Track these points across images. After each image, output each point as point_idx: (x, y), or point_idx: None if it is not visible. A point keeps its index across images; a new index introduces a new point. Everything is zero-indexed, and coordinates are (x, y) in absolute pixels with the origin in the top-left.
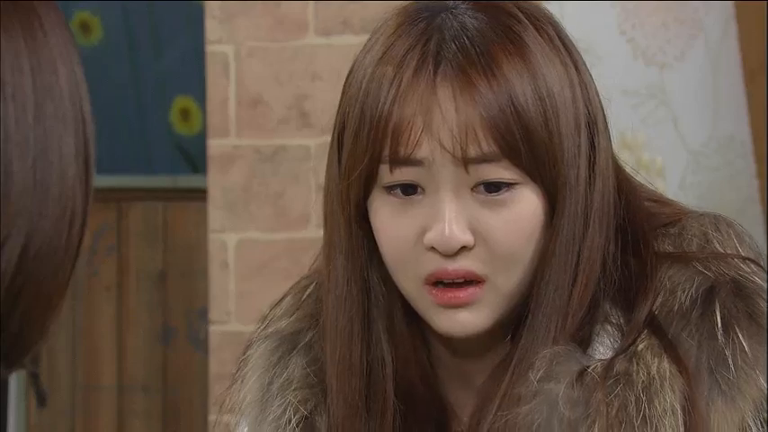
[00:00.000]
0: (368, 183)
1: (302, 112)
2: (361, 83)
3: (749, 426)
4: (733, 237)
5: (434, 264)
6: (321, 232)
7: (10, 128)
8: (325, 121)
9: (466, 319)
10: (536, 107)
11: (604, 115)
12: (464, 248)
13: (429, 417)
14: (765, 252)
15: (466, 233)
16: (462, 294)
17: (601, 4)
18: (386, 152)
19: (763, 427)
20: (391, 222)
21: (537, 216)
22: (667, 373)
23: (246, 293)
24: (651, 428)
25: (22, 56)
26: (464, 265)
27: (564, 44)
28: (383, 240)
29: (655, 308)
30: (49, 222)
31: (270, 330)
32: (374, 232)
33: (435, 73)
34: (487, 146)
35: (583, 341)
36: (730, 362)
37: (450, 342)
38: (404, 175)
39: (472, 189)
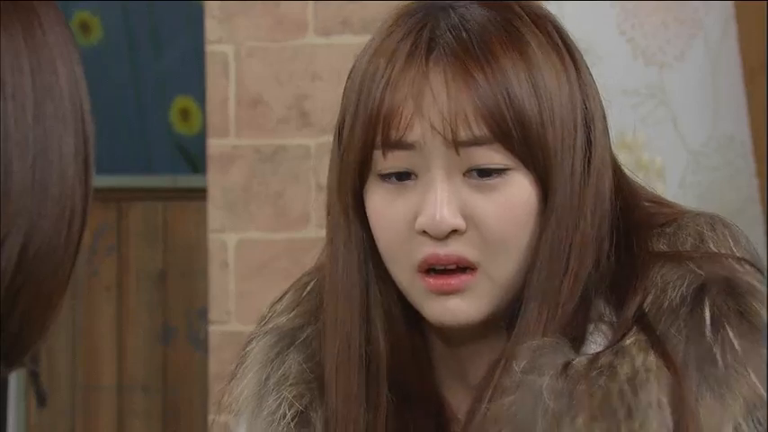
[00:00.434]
0: (363, 170)
1: (302, 112)
2: (357, 78)
3: (740, 424)
4: (728, 237)
5: (426, 249)
6: (321, 232)
7: (10, 127)
8: (326, 120)
9: (458, 306)
10: (531, 98)
11: (604, 115)
12: (455, 233)
13: (427, 414)
14: (763, 254)
15: (457, 217)
16: (454, 281)
17: (600, 4)
18: (378, 138)
19: (756, 425)
20: (384, 208)
21: (530, 203)
22: (653, 366)
23: (246, 293)
24: (636, 421)
25: (21, 55)
26: (456, 249)
27: (564, 43)
28: (377, 227)
29: (645, 305)
30: (49, 222)
31: (269, 326)
32: (369, 220)
33: (428, 58)
34: (478, 129)
35: (576, 339)
36: (719, 359)
37: (447, 338)
38: (397, 160)
39: (464, 174)
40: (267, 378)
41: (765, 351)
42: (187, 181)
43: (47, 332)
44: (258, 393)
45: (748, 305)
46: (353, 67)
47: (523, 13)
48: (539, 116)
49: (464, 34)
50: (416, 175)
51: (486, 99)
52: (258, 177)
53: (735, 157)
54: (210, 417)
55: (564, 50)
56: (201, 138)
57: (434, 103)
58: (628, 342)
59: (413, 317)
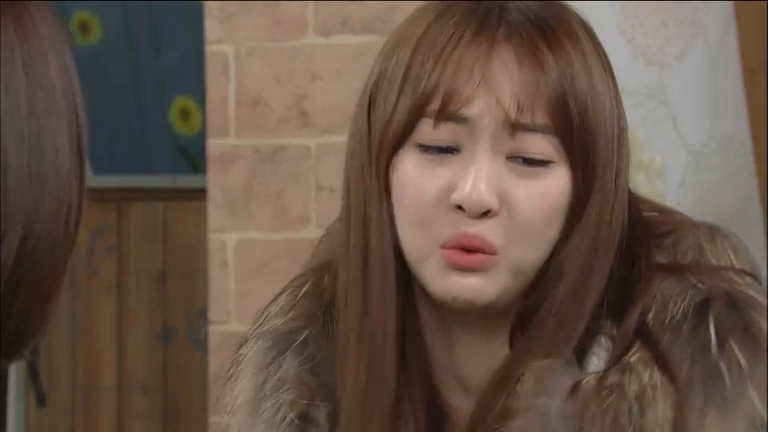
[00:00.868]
0: (401, 139)
1: (302, 112)
2: (408, 40)
3: None
4: (728, 248)
5: (455, 226)
6: (321, 232)
7: (5, 122)
8: (326, 120)
9: (474, 284)
10: (589, 93)
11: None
12: (487, 213)
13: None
14: (763, 254)
15: (493, 197)
16: (476, 259)
17: (600, 4)
18: (434, 106)
19: None
20: (419, 178)
21: (565, 198)
22: (658, 383)
23: (246, 293)
24: None
25: (13, 48)
26: (482, 231)
27: (596, 47)
28: (405, 197)
29: (648, 319)
30: (46, 216)
31: (265, 329)
32: (394, 192)
33: (498, 32)
34: (542, 117)
35: (579, 353)
36: (726, 375)
37: (447, 337)
38: (446, 133)
39: (508, 157)
40: (264, 382)
41: (767, 365)
42: (187, 181)
43: (45, 325)
44: (254, 398)
45: (751, 319)
46: (397, 33)
47: (575, 14)
48: (594, 117)
49: (532, 16)
50: (459, 150)
51: (556, 87)
52: (258, 177)
53: (734, 156)
54: (211, 417)
55: (600, 51)
56: (201, 138)
57: (507, 78)
58: (633, 359)
59: (411, 313)
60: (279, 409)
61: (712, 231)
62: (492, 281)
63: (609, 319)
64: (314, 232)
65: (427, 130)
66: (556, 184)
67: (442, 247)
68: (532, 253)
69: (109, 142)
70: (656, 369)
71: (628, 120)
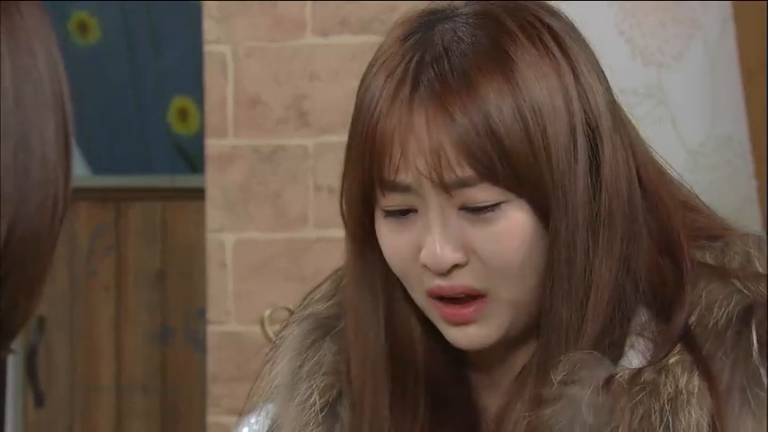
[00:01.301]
0: (369, 201)
1: (301, 112)
2: (357, 106)
3: None
4: None
5: (432, 281)
6: (320, 232)
7: None
8: (324, 120)
9: (475, 333)
10: (516, 125)
11: (615, 111)
12: (457, 266)
13: (461, 419)
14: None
15: (457, 252)
16: (466, 311)
17: (599, 4)
18: (375, 177)
19: None
20: (391, 241)
21: (527, 230)
22: (696, 389)
23: (245, 293)
24: None
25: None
26: (461, 281)
27: (562, 49)
28: (386, 257)
29: (691, 322)
30: (33, 207)
31: (307, 312)
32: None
33: (411, 98)
34: (462, 171)
35: (614, 350)
36: (765, 381)
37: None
38: (395, 199)
39: (459, 209)
40: (301, 365)
41: None
42: (186, 181)
43: (31, 317)
44: (291, 381)
45: None
46: (359, 88)
47: (513, 26)
48: (526, 144)
49: (446, 65)
50: (417, 210)
51: (466, 137)
52: (257, 177)
53: (733, 156)
54: (209, 417)
55: (559, 55)
56: (200, 138)
57: (418, 146)
58: (672, 360)
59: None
60: (311, 394)
61: (761, 241)
62: (491, 326)
63: (652, 319)
64: (312, 232)
65: (381, 198)
66: (512, 221)
67: (428, 295)
68: (519, 286)
69: (107, 142)
70: (695, 374)
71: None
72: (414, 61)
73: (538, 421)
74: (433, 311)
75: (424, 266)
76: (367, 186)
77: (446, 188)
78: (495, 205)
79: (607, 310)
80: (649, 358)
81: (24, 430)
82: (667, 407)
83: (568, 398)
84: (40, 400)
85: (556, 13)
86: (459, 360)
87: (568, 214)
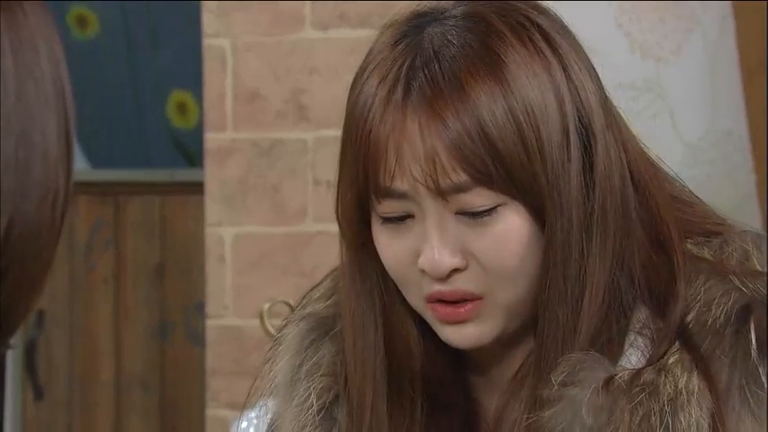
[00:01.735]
0: (364, 207)
1: (299, 106)
2: (349, 112)
3: None
4: None
5: (431, 286)
6: (318, 226)
7: None
8: (323, 115)
9: (471, 332)
10: (509, 127)
11: (608, 108)
12: (456, 271)
13: (459, 418)
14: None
15: (455, 256)
16: (462, 310)
17: None
18: (371, 185)
19: None
20: (388, 247)
21: (524, 232)
22: (696, 389)
23: (243, 287)
24: None
25: (2, 35)
26: (459, 285)
27: (550, 45)
28: (384, 262)
29: (689, 320)
30: (33, 203)
31: (306, 311)
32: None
33: (404, 104)
34: (457, 176)
35: (613, 348)
36: (764, 380)
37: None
38: (393, 206)
39: (456, 213)
40: (300, 365)
41: None
42: (184, 175)
43: (30, 313)
44: (291, 380)
45: None
46: (350, 92)
47: (503, 27)
48: (520, 144)
49: (437, 70)
50: (414, 216)
51: (459, 142)
52: (255, 171)
53: (732, 151)
54: (208, 411)
55: (550, 54)
56: (199, 132)
57: (412, 152)
58: (671, 360)
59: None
60: (309, 396)
61: (759, 239)
62: (486, 325)
63: (650, 317)
64: (311, 226)
65: (377, 205)
66: (509, 224)
67: (427, 300)
68: (516, 289)
69: (106, 137)
70: (694, 374)
71: (623, 113)
72: (405, 66)
73: (538, 423)
74: (430, 314)
75: (423, 271)
76: (362, 193)
77: (442, 194)
78: (492, 209)
79: (602, 307)
80: (648, 356)
81: (23, 424)
82: (667, 407)
83: (568, 399)
84: (39, 395)
85: (545, 11)
86: (458, 361)
87: (563, 215)
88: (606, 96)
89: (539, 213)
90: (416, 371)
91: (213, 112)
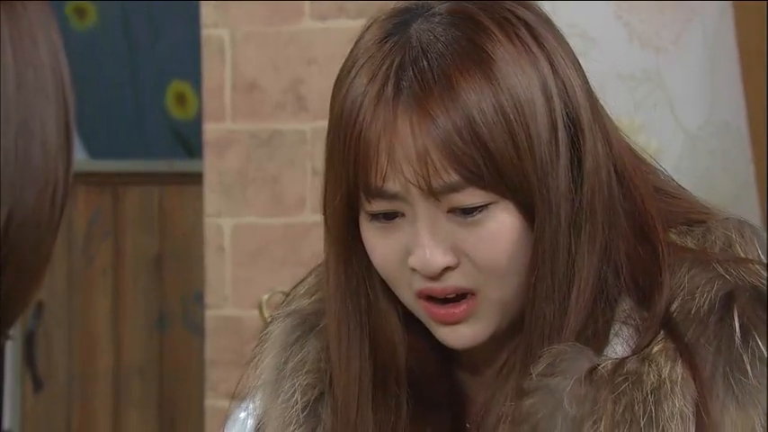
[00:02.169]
0: (353, 205)
1: (298, 97)
2: (336, 109)
3: None
4: (756, 243)
5: (422, 283)
6: (317, 217)
7: None
8: (322, 105)
9: (464, 333)
10: (499, 124)
11: (593, 103)
12: (448, 269)
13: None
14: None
15: (447, 255)
16: (457, 311)
17: None
18: (360, 184)
19: None
20: (377, 245)
21: (515, 231)
22: (679, 378)
23: (243, 278)
24: (658, 430)
25: (1, 25)
26: (451, 282)
27: (538, 43)
28: (373, 260)
29: (673, 309)
30: (32, 194)
31: (291, 308)
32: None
33: (395, 104)
34: (449, 177)
35: (598, 339)
36: (748, 369)
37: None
38: (383, 205)
39: (448, 211)
40: (285, 362)
41: None
42: (183, 165)
43: (29, 304)
44: (276, 377)
45: None
46: (335, 86)
47: (489, 22)
48: (510, 141)
49: (426, 68)
50: (404, 214)
51: (450, 141)
52: (254, 162)
53: (731, 142)
54: (207, 402)
55: (536, 50)
56: (197, 122)
57: (404, 153)
58: (655, 349)
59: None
60: (294, 393)
61: (742, 225)
62: (480, 324)
63: (635, 307)
64: (310, 217)
65: (367, 204)
66: (500, 222)
67: (417, 296)
68: (508, 285)
69: (105, 127)
70: (678, 363)
71: (624, 104)
72: (395, 65)
73: (519, 412)
74: (423, 312)
75: (413, 269)
76: (352, 192)
77: (434, 194)
78: (484, 207)
79: (589, 302)
80: (633, 346)
81: (22, 416)
82: (650, 397)
83: (549, 389)
84: (38, 386)
85: (530, 7)
86: (445, 357)
87: (552, 211)
88: (591, 90)
89: (528, 210)
90: (402, 368)
91: (212, 103)
